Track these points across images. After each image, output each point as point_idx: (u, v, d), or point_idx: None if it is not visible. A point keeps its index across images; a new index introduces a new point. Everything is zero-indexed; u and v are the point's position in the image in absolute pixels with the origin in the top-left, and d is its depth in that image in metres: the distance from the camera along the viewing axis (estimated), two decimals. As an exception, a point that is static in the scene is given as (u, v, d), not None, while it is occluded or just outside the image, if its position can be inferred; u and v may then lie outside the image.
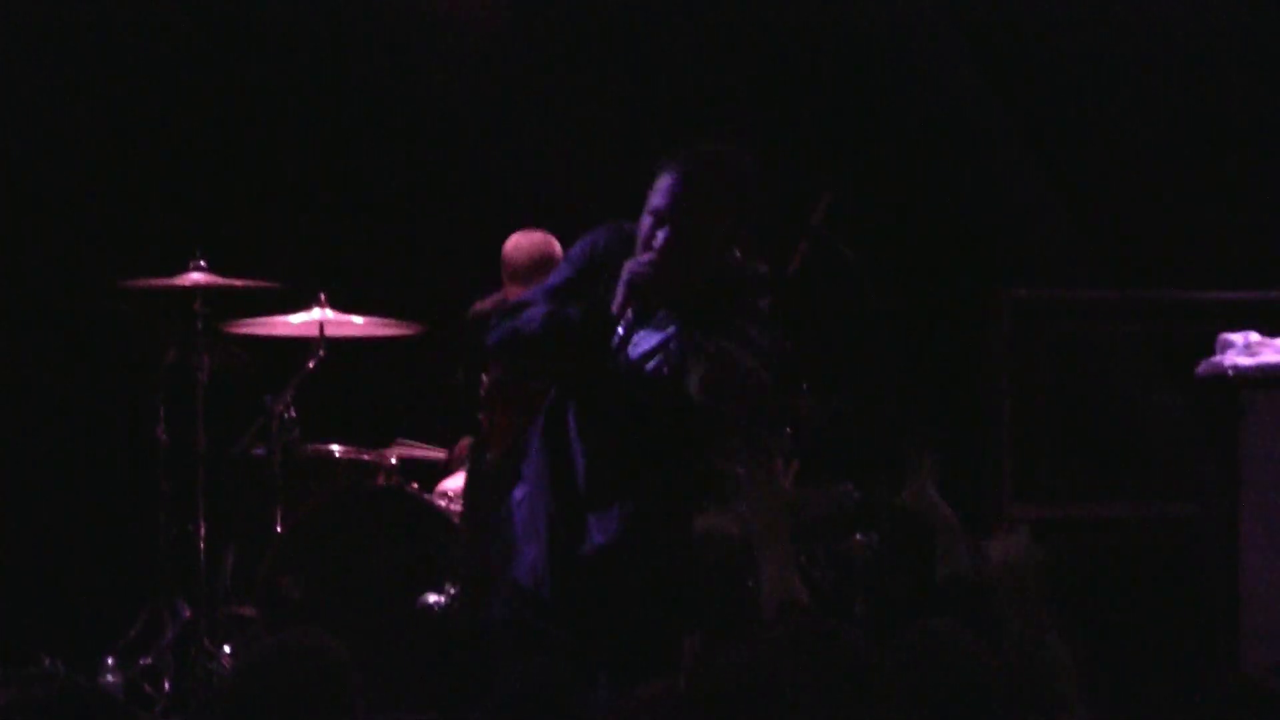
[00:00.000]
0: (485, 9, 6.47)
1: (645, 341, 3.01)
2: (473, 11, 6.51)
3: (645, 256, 3.09)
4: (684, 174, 3.10)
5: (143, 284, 5.15)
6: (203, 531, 4.95)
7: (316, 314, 4.97)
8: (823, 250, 4.96)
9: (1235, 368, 4.75)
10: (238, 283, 5.04)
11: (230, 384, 5.19)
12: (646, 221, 3.13)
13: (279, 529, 4.79)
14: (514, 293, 4.85)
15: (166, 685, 4.73)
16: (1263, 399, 4.75)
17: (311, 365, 4.96)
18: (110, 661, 4.88)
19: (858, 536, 4.69)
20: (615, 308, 3.09)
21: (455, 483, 4.91)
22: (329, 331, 5.01)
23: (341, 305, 4.97)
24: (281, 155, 6.14)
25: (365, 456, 5.10)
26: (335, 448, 5.01)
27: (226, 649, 4.79)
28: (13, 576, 5.41)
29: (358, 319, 5.08)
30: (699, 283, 3.17)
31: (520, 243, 5.15)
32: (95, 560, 5.61)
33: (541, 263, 4.94)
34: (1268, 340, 4.84)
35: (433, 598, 4.87)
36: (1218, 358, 4.83)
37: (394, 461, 5.22)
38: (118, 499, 5.63)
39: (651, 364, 3.01)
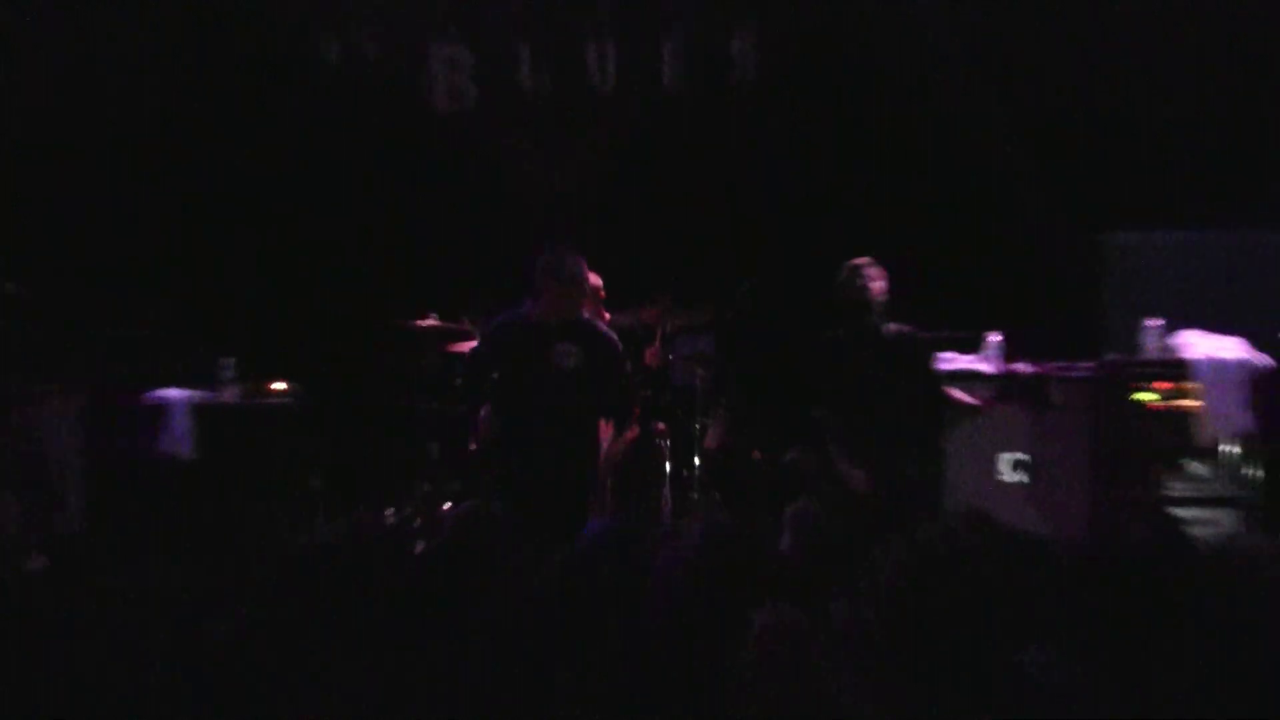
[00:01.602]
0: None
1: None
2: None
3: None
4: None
5: (408, 324, 6.63)
6: (435, 451, 6.58)
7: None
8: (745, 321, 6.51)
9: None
10: (453, 325, 6.52)
11: (447, 378, 6.48)
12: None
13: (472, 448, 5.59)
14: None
15: (418, 522, 6.29)
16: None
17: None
18: (391, 510, 6.50)
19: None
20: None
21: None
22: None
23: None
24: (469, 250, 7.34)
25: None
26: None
27: (445, 506, 6.22)
28: (343, 477, 6.77)
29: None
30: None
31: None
32: (382, 464, 7.01)
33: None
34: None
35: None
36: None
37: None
38: (393, 432, 7.02)
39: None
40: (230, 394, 6.54)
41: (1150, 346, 6.01)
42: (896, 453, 5.49)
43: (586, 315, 5.62)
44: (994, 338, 6.28)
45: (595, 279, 5.99)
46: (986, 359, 6.25)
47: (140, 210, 7.26)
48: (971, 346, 6.32)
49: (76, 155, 7.11)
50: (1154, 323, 6.04)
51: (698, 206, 7.49)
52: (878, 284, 5.61)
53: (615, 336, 5.39)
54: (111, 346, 6.18)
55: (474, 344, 5.55)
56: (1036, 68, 7.09)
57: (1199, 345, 5.87)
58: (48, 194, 6.97)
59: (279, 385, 6.63)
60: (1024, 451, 6.03)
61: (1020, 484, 6.03)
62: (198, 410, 6.33)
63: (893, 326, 5.63)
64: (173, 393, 6.34)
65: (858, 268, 5.63)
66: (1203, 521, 5.56)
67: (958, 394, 5.80)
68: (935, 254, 7.00)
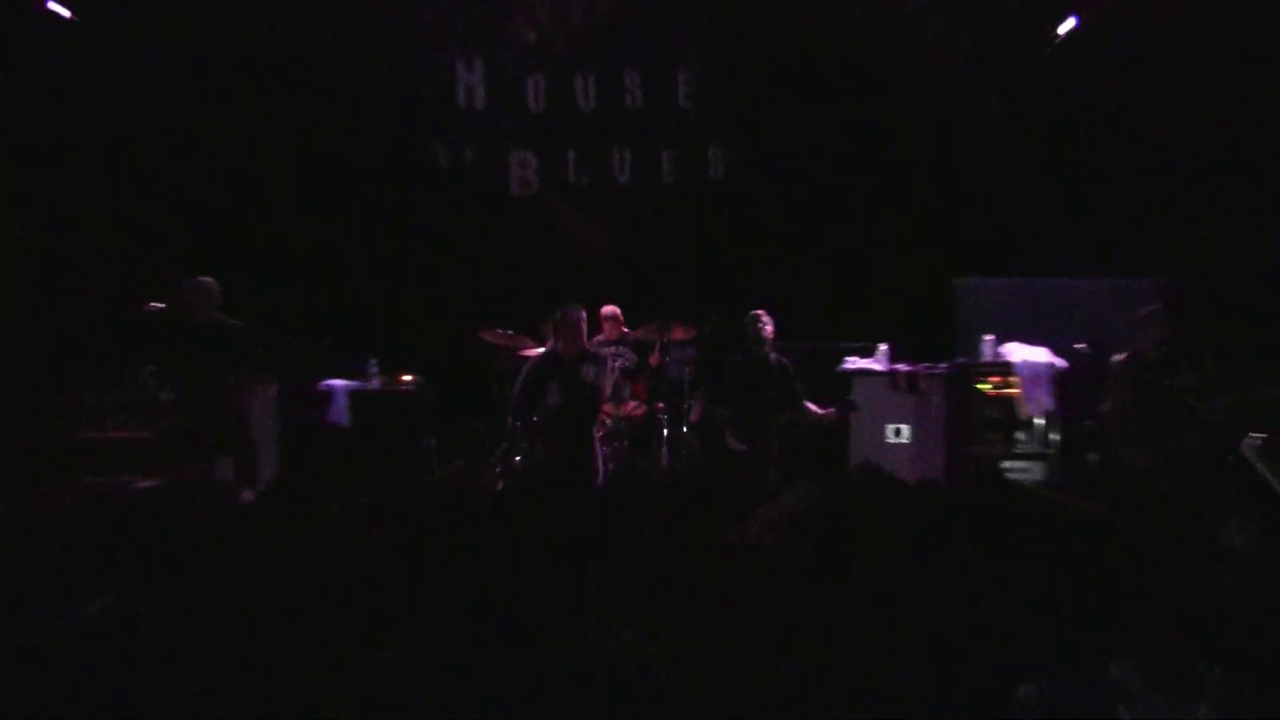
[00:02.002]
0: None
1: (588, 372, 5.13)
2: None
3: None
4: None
5: (491, 335, 6.17)
6: (509, 421, 5.50)
7: (546, 347, 5.57)
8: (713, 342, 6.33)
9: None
10: (523, 337, 6.12)
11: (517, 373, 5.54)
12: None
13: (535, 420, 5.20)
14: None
15: (498, 469, 5.44)
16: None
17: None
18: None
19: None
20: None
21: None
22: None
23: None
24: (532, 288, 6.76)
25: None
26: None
27: (516, 459, 5.42)
28: (448, 439, 6.45)
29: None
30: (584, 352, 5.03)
31: (603, 311, 6.19)
32: (474, 430, 6.55)
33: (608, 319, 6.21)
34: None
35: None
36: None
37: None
38: (473, 413, 6.62)
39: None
40: (375, 383, 6.33)
41: (986, 353, 5.90)
42: (767, 435, 5.40)
43: (605, 335, 5.83)
44: (883, 346, 6.10)
45: (615, 309, 6.12)
46: (878, 360, 6.05)
47: (333, 263, 7.19)
48: (869, 352, 6.14)
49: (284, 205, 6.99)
50: (989, 338, 5.95)
51: (686, 259, 7.34)
52: (768, 328, 5.53)
53: (607, 356, 5.45)
54: (298, 351, 5.98)
55: (520, 376, 5.34)
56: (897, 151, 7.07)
57: (1018, 352, 5.78)
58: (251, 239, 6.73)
59: (407, 377, 6.36)
60: (903, 423, 5.86)
61: (901, 445, 5.85)
62: (353, 394, 6.13)
63: (774, 356, 5.55)
64: (337, 382, 6.14)
65: (756, 316, 5.56)
66: (1020, 470, 5.58)
67: (811, 407, 5.55)
68: (845, 292, 6.94)
